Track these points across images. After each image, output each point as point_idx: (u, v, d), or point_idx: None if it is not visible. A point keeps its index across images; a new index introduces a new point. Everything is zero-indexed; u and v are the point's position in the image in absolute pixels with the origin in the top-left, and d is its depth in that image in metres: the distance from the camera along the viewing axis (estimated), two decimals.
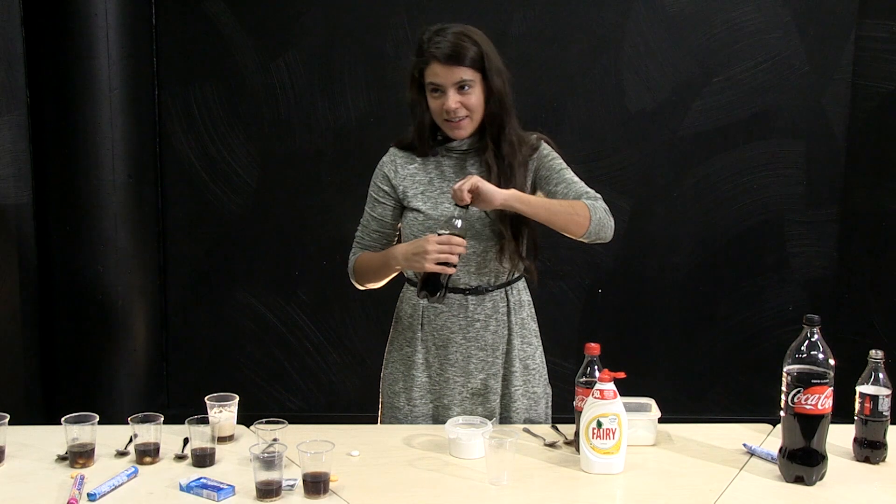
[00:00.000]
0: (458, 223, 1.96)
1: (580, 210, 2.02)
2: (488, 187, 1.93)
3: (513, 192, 1.97)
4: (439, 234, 1.96)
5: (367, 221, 2.19)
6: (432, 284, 1.97)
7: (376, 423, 2.26)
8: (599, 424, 1.77)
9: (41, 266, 3.47)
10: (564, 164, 2.14)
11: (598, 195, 2.11)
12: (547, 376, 2.25)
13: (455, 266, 1.95)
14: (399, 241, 2.18)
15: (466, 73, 2.00)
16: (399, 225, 2.18)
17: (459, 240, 1.94)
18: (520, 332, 2.17)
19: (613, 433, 1.77)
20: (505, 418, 2.17)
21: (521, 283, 2.20)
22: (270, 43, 3.74)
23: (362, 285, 2.22)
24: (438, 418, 2.17)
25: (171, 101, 3.76)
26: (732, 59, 3.74)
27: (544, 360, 2.25)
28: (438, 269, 1.93)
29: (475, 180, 1.92)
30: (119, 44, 3.40)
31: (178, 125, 3.77)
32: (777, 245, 3.86)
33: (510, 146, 2.06)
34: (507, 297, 2.16)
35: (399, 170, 2.15)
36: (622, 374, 1.81)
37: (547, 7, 3.71)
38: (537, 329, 2.23)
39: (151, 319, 3.74)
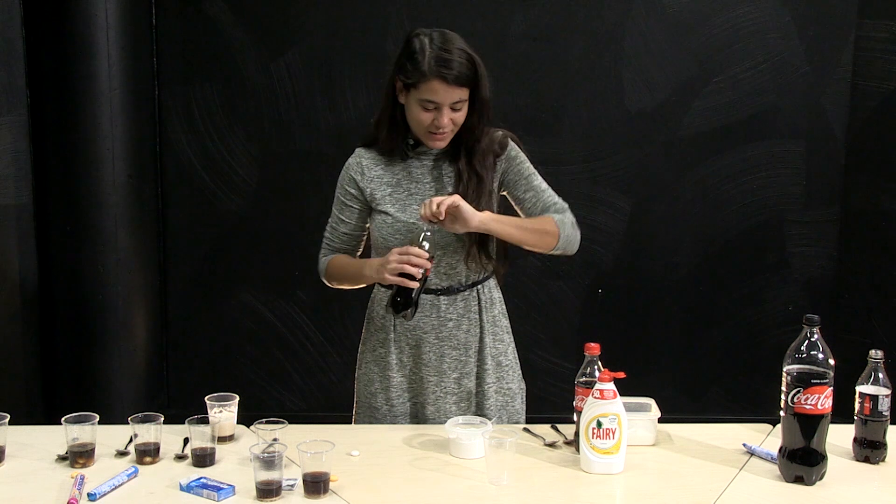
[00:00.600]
0: (426, 244, 1.96)
1: (550, 228, 2.08)
2: (467, 208, 1.94)
3: (487, 214, 2.00)
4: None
5: (335, 223, 2.19)
6: (402, 299, 1.96)
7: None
8: (599, 424, 1.77)
9: (41, 266, 3.47)
10: (532, 169, 2.16)
11: (566, 205, 2.15)
12: (520, 371, 2.26)
13: (417, 280, 1.94)
14: (369, 243, 2.19)
15: (464, 93, 1.99)
16: (367, 226, 2.18)
17: (420, 251, 1.94)
18: (491, 330, 2.18)
19: (613, 433, 1.77)
20: (481, 416, 2.17)
21: (492, 281, 2.21)
22: (270, 43, 3.74)
23: (333, 286, 2.23)
24: (417, 416, 2.18)
25: (171, 101, 3.76)
26: (732, 59, 3.74)
27: (517, 355, 2.26)
28: (396, 280, 1.93)
29: (455, 199, 1.93)
30: (119, 44, 3.40)
31: (178, 125, 3.77)
32: (777, 245, 3.86)
33: (482, 155, 2.08)
34: (478, 296, 2.16)
35: (366, 172, 2.13)
36: (622, 374, 1.81)
37: (547, 7, 3.71)
38: (509, 325, 2.25)
39: (151, 319, 3.74)
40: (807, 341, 1.73)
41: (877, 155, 3.72)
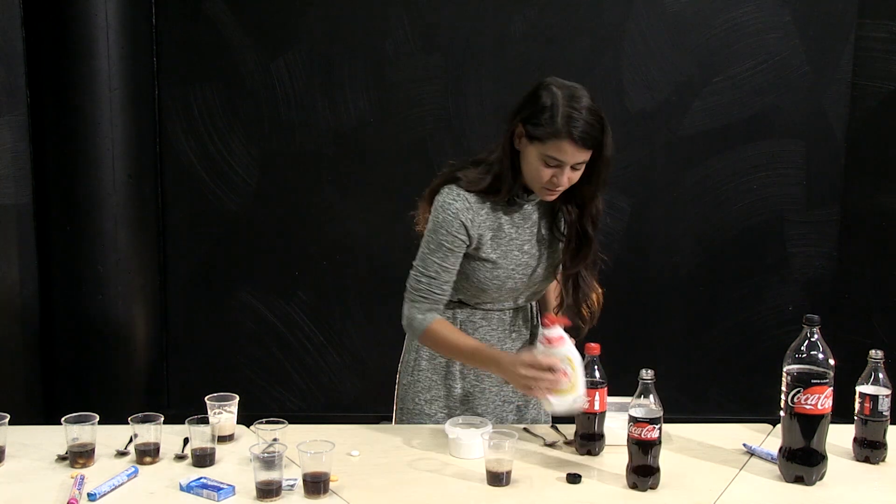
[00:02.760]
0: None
1: None
2: None
3: None
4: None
5: (436, 273, 1.99)
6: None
7: (376, 423, 2.26)
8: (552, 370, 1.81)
9: (41, 266, 3.47)
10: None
11: None
12: None
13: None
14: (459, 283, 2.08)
15: (588, 155, 1.90)
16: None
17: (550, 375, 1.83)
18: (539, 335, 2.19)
19: (566, 374, 1.80)
20: (535, 420, 2.20)
21: None
22: (270, 43, 3.74)
23: (426, 346, 2.08)
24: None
25: (171, 101, 3.75)
26: (732, 59, 3.74)
27: None
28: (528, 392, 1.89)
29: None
30: (119, 44, 3.40)
31: (178, 125, 3.77)
32: (777, 245, 3.86)
33: (595, 213, 2.03)
34: (536, 305, 2.21)
35: (475, 217, 1.98)
36: (566, 321, 1.86)
37: (547, 7, 3.71)
38: None
39: (151, 319, 3.73)
40: (807, 341, 1.73)
41: (877, 155, 3.72)
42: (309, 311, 3.90)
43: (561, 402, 1.82)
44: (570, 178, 1.91)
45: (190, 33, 3.72)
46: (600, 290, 2.10)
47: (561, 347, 1.81)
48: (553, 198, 1.96)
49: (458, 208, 1.97)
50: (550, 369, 1.81)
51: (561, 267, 2.07)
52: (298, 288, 3.88)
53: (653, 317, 3.92)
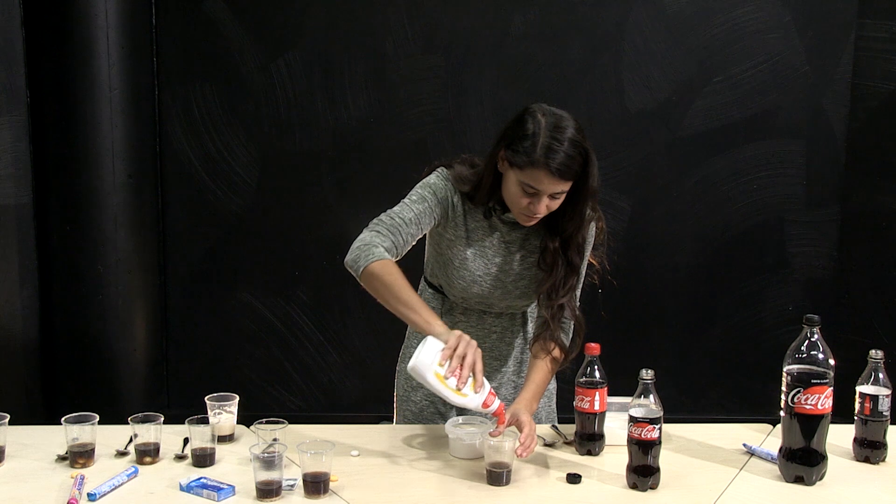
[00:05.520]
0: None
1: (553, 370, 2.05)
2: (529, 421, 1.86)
3: (529, 404, 1.94)
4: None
5: (408, 218, 1.95)
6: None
7: (376, 423, 2.26)
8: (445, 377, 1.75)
9: (41, 266, 3.47)
10: (584, 270, 2.10)
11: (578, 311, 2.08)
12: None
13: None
14: (435, 262, 2.11)
15: (566, 186, 1.88)
16: (424, 232, 2.05)
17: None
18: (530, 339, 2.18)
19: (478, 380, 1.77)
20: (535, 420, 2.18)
21: None
22: (270, 43, 3.74)
23: (362, 283, 1.93)
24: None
25: (171, 101, 3.76)
26: (732, 59, 3.74)
27: None
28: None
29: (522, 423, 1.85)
30: (119, 44, 3.41)
31: (178, 125, 3.77)
32: (777, 245, 3.86)
33: (580, 242, 2.02)
34: (523, 312, 2.18)
35: (457, 205, 2.02)
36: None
37: (547, 7, 3.71)
38: None
39: (151, 319, 3.74)
40: (807, 341, 1.73)
41: (877, 155, 3.72)
42: (309, 311, 3.90)
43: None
44: (548, 206, 1.90)
45: (190, 33, 3.73)
46: (582, 318, 2.05)
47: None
48: (531, 223, 1.96)
49: (447, 185, 2.01)
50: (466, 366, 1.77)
51: (546, 295, 2.01)
52: (298, 288, 3.88)
53: (653, 317, 3.92)
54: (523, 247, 2.05)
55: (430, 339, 1.80)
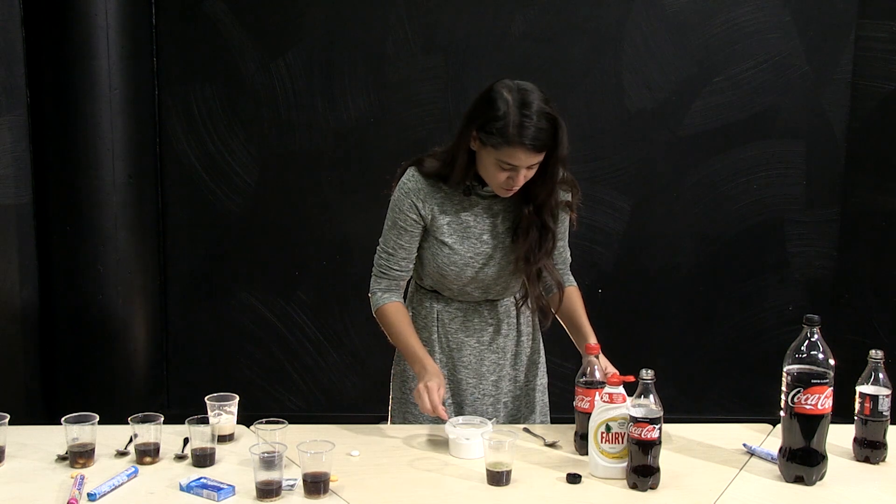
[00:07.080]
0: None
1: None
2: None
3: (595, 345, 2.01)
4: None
5: (392, 250, 2.10)
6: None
7: (376, 423, 2.26)
8: (608, 429, 1.76)
9: (41, 266, 3.47)
10: (567, 224, 2.17)
11: (569, 259, 2.23)
12: (546, 366, 2.31)
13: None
14: (420, 264, 2.15)
15: (542, 156, 1.93)
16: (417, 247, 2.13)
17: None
18: (525, 331, 2.22)
19: (622, 437, 1.75)
20: (515, 416, 2.21)
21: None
22: (270, 43, 3.74)
23: (382, 327, 2.16)
24: (456, 416, 2.18)
25: (171, 101, 3.76)
26: (732, 59, 3.74)
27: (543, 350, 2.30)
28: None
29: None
30: (119, 44, 3.40)
31: (178, 125, 3.77)
32: (777, 245, 3.86)
33: (553, 207, 2.05)
34: (515, 301, 2.20)
35: (427, 199, 2.06)
36: (631, 378, 1.79)
37: (547, 7, 3.71)
38: (538, 323, 2.26)
39: (151, 319, 3.74)
40: (807, 341, 1.73)
41: (877, 155, 3.72)
42: (309, 311, 3.90)
43: (612, 468, 1.77)
44: (525, 176, 1.96)
45: (190, 33, 3.73)
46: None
47: (622, 406, 1.75)
48: (510, 194, 2.01)
49: (409, 188, 2.07)
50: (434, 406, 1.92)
51: (525, 260, 2.06)
52: (298, 288, 3.88)
53: (653, 316, 3.92)
54: (509, 221, 2.09)
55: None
